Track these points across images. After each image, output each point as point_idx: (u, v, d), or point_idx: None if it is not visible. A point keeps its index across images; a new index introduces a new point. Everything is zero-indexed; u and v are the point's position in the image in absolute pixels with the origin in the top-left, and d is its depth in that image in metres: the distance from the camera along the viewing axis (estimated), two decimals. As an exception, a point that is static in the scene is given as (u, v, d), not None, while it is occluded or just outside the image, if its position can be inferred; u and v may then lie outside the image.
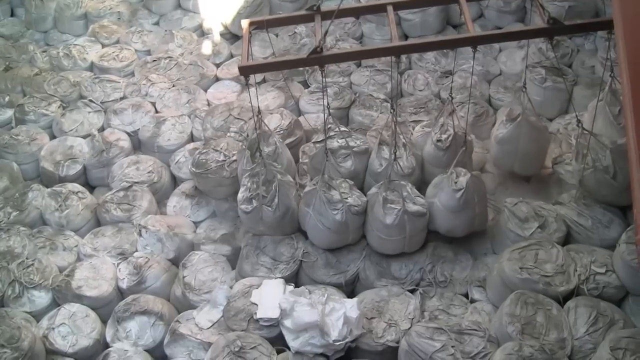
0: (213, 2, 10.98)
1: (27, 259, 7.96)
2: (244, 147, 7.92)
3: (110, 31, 11.20)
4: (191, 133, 9.35)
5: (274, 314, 6.94)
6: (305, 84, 9.90)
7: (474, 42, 6.90)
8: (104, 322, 7.45)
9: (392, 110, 7.41)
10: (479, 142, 8.61)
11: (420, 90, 9.55)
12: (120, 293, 7.76)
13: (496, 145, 8.09)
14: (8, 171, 9.11)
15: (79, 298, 7.57)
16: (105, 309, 7.56)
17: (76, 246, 8.18)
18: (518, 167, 8.11)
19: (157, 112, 9.70)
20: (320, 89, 9.45)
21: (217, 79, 10.20)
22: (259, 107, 7.56)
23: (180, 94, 9.81)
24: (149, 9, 11.78)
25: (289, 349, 6.83)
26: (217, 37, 10.84)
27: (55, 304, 7.68)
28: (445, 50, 10.11)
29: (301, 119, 9.07)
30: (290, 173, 7.92)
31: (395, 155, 7.49)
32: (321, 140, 7.73)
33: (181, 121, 9.36)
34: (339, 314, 6.73)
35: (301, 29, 10.62)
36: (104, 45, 11.08)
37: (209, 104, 9.77)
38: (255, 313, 7.03)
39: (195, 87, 9.91)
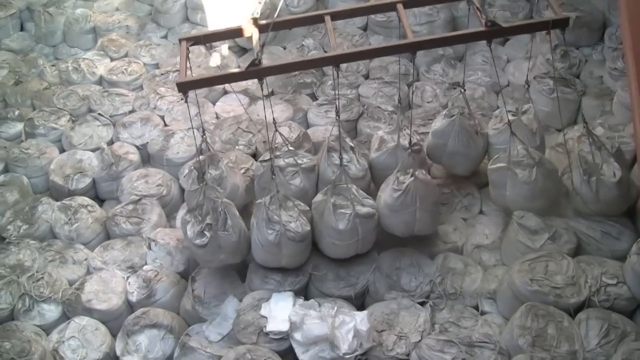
0: (221, 16, 11.01)
1: (37, 272, 7.97)
2: (192, 168, 7.90)
3: (119, 45, 11.24)
4: (200, 146, 9.33)
5: (284, 327, 6.94)
6: (314, 97, 9.91)
7: (412, 47, 6.94)
8: (114, 335, 7.45)
9: (337, 116, 7.37)
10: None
11: (429, 102, 9.57)
12: (130, 306, 7.75)
13: (430, 137, 8.26)
14: (18, 185, 9.13)
15: (89, 311, 7.58)
16: (115, 322, 7.56)
17: (86, 259, 8.19)
18: (446, 163, 8.23)
19: (165, 125, 9.72)
20: (329, 101, 9.49)
21: (225, 92, 10.20)
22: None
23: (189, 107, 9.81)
24: (157, 23, 11.83)
25: (299, 362, 6.82)
26: (225, 51, 10.85)
27: (65, 317, 7.69)
28: (453, 62, 10.12)
29: (309, 131, 9.09)
30: (234, 199, 7.79)
31: (349, 160, 7.59)
32: (268, 159, 7.66)
33: (190, 134, 9.37)
34: (349, 327, 6.73)
35: (309, 41, 10.68)
36: (112, 59, 11.13)
37: (217, 117, 9.79)
38: (265, 326, 7.04)
39: (203, 100, 9.93)
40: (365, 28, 10.92)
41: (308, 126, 9.39)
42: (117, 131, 9.66)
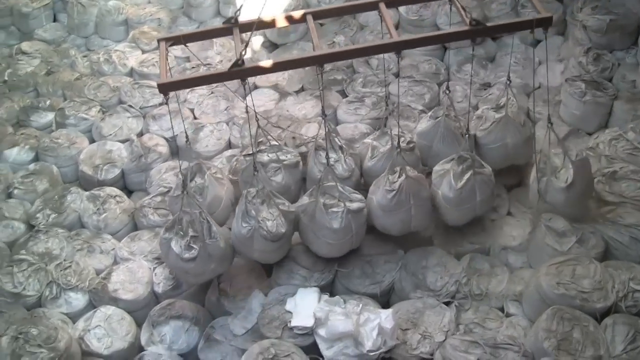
0: (253, 11, 11.00)
1: (64, 260, 8.06)
2: (180, 174, 7.76)
3: (151, 37, 11.27)
4: (229, 140, 9.40)
5: (309, 322, 6.95)
6: (343, 94, 9.91)
7: (396, 47, 6.90)
8: (139, 325, 7.51)
9: (324, 115, 7.38)
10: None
11: (459, 102, 9.50)
12: (156, 297, 7.80)
13: (416, 138, 8.26)
14: (48, 174, 9.22)
15: (115, 301, 7.64)
16: (140, 312, 7.61)
17: (113, 249, 8.27)
18: (431, 164, 8.10)
19: (195, 118, 9.76)
20: (358, 98, 9.47)
21: (255, 87, 10.20)
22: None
23: (218, 101, 9.89)
24: (189, 16, 11.86)
25: (322, 357, 6.84)
26: (256, 45, 10.87)
27: (92, 306, 7.76)
28: (484, 62, 10.08)
29: (338, 128, 9.09)
30: (215, 211, 7.68)
31: (337, 159, 7.57)
32: (251, 154, 7.64)
33: (219, 128, 9.43)
34: (373, 324, 6.73)
35: (340, 38, 10.70)
36: (144, 51, 11.19)
37: (247, 112, 9.77)
38: (290, 321, 7.05)
39: (233, 95, 9.95)
40: (397, 26, 10.88)
41: (337, 123, 9.37)
42: (147, 123, 9.73)
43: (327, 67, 10.15)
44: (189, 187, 7.33)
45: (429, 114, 8.32)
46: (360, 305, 6.96)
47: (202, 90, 10.01)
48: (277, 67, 7.38)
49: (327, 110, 9.32)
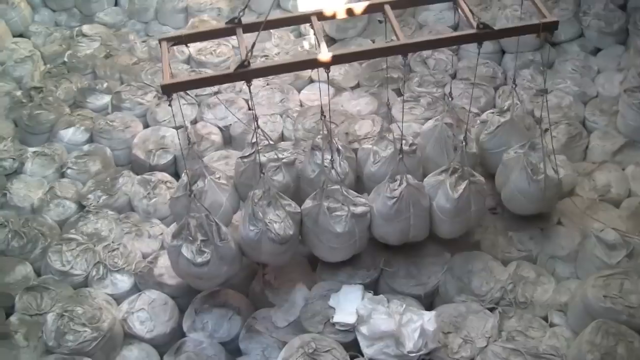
0: (313, 5, 11.00)
1: (112, 242, 8.15)
2: (186, 173, 7.57)
3: (210, 26, 11.31)
4: (282, 132, 9.42)
5: (351, 319, 6.95)
6: (399, 92, 9.87)
7: (402, 49, 6.78)
8: (182, 311, 7.56)
9: (323, 116, 7.35)
10: (570, 164, 8.45)
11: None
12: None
13: (420, 137, 8.25)
14: (101, 155, 9.33)
15: (160, 286, 7.71)
16: (184, 298, 7.66)
17: (161, 234, 8.33)
18: (424, 165, 8.02)
19: (249, 109, 9.79)
20: (414, 98, 9.43)
21: (311, 81, 10.21)
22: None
23: (273, 93, 9.89)
24: (248, 7, 11.81)
25: (362, 355, 6.83)
26: (314, 39, 10.85)
27: (136, 289, 7.85)
28: (542, 68, 9.97)
29: (392, 126, 9.05)
30: (214, 216, 7.34)
31: (332, 161, 7.43)
32: (248, 155, 7.56)
33: (273, 120, 9.43)
34: (415, 326, 6.71)
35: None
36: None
37: (301, 105, 9.82)
38: (332, 317, 7.06)
39: (289, 87, 9.97)
40: (456, 27, 10.80)
41: (391, 121, 9.33)
42: (202, 111, 9.79)
43: (384, 64, 10.14)
44: (189, 191, 7.21)
45: (437, 117, 8.25)
46: (404, 306, 6.93)
47: (257, 81, 10.01)
48: (282, 69, 7.39)
49: (382, 108, 9.35)
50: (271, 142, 7.74)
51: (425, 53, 10.21)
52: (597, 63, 10.06)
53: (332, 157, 7.50)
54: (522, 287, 7.35)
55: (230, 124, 9.48)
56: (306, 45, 10.73)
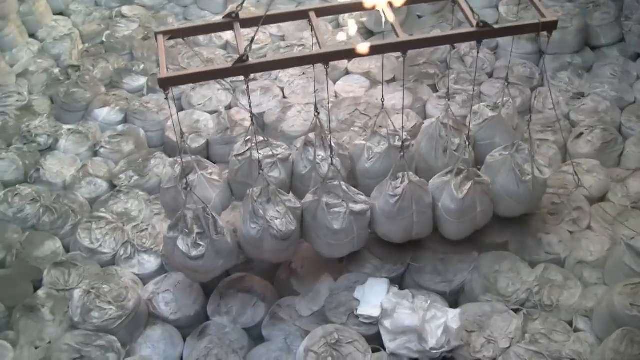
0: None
1: (142, 223, 8.23)
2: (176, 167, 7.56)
3: (249, 13, 11.28)
4: (315, 122, 9.38)
5: (375, 312, 6.96)
6: (435, 88, 9.84)
7: (402, 47, 6.70)
8: (207, 295, 7.59)
9: (316, 113, 7.31)
10: (604, 170, 8.40)
11: (550, 109, 9.36)
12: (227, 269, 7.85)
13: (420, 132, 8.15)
14: (134, 136, 9.40)
15: (187, 268, 7.72)
16: (210, 282, 7.63)
17: (190, 217, 8.33)
18: (417, 162, 7.95)
19: (284, 97, 9.81)
20: (450, 95, 9.37)
21: (347, 73, 10.21)
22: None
23: (309, 82, 9.87)
24: (292, -3, 11.88)
25: (384, 349, 6.83)
26: (352, 31, 10.84)
27: (163, 270, 7.90)
28: (580, 71, 9.90)
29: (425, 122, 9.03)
30: None
31: (331, 157, 7.30)
32: (243, 153, 7.51)
33: (307, 109, 9.42)
34: (439, 322, 6.70)
35: (436, 32, 10.56)
36: (240, 26, 11.23)
37: (336, 96, 9.81)
38: (357, 309, 7.07)
39: (324, 77, 9.92)
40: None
41: (426, 117, 9.33)
42: (236, 97, 9.80)
43: (421, 60, 10.13)
44: (182, 183, 7.18)
45: (440, 115, 8.12)
46: (429, 302, 6.92)
47: (294, 70, 10.04)
48: (281, 65, 7.37)
49: (417, 103, 9.32)
50: (265, 139, 7.61)
51: (463, 50, 10.17)
52: (636, 69, 9.96)
53: (325, 154, 7.48)
54: (549, 290, 7.30)
55: (264, 112, 9.49)
56: (344, 37, 10.70)
